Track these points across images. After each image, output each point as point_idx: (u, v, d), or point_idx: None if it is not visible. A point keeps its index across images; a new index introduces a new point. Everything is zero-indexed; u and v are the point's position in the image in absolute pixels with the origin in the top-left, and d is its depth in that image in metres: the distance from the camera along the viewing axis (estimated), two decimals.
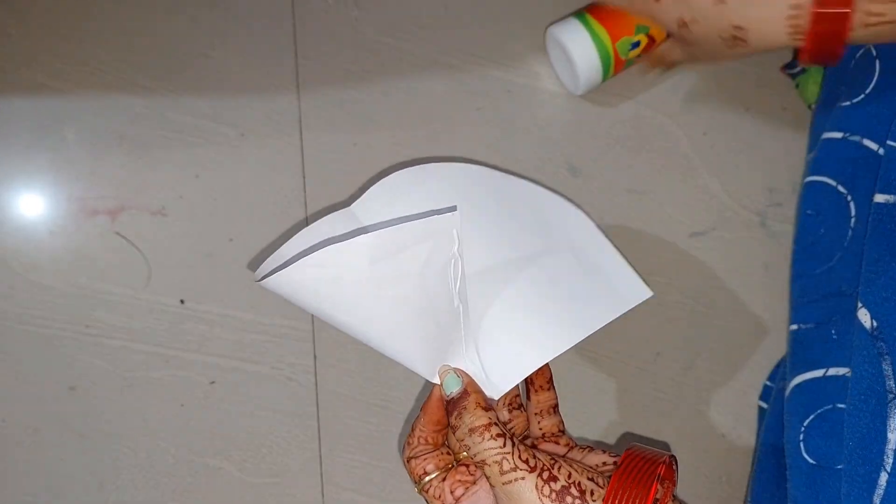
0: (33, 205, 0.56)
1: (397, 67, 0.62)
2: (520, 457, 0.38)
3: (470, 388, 0.40)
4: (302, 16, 0.61)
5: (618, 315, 0.43)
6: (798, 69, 0.65)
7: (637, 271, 0.44)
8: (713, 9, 0.39)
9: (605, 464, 0.41)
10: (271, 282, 0.38)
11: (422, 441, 0.41)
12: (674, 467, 0.39)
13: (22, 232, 0.56)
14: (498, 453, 0.37)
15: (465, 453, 0.42)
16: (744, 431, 0.63)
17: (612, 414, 0.62)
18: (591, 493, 0.37)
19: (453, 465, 0.42)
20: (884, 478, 0.41)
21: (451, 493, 0.41)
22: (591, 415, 0.61)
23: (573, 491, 0.37)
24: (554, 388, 0.44)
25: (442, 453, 0.42)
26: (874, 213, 0.48)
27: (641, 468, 0.38)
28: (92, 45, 0.58)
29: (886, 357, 0.44)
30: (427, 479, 0.41)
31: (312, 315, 0.59)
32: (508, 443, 0.38)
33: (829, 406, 0.48)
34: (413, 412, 0.59)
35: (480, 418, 0.39)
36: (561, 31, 0.59)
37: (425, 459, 0.41)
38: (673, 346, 0.63)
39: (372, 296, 0.39)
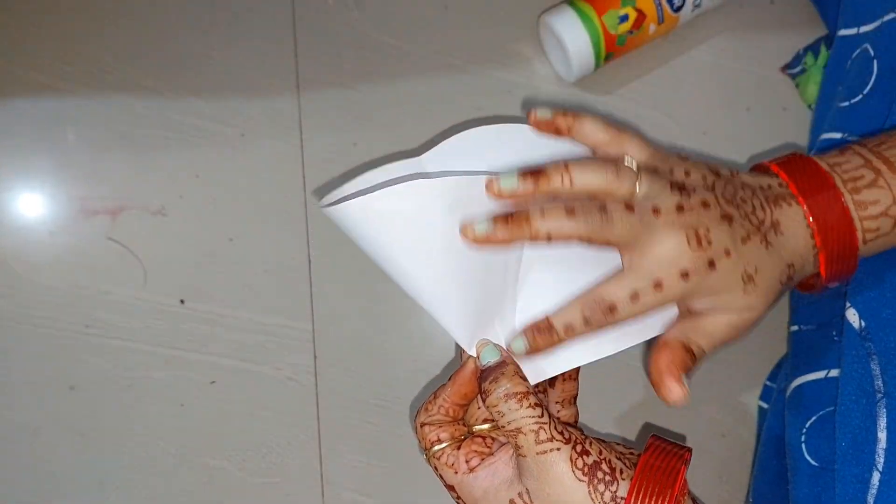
0: (34, 205, 0.56)
1: (397, 68, 0.62)
2: (555, 428, 0.37)
3: (508, 359, 0.39)
4: (302, 16, 0.61)
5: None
6: (798, 69, 0.65)
7: None
8: (768, 254, 0.39)
9: (621, 453, 0.41)
10: (341, 210, 0.36)
11: (442, 411, 0.40)
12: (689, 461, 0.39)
13: (22, 232, 0.56)
14: (536, 422, 0.37)
15: (477, 426, 0.41)
16: (744, 431, 0.63)
17: (613, 413, 0.62)
18: (621, 472, 0.37)
19: (466, 437, 0.41)
20: (876, 477, 0.42)
21: (467, 462, 0.40)
22: (591, 414, 0.61)
23: (604, 467, 0.37)
24: (578, 378, 0.43)
25: (457, 425, 0.41)
26: None
27: (667, 455, 0.38)
28: (93, 46, 0.58)
29: (875, 357, 0.44)
30: (440, 446, 0.40)
31: (313, 315, 0.59)
32: (546, 413, 0.37)
33: (831, 408, 0.48)
34: (415, 407, 0.59)
35: (519, 385, 0.38)
36: (549, 14, 0.61)
37: (440, 427, 0.40)
38: None
39: (439, 244, 0.37)
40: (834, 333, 0.51)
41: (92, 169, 0.57)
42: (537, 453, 0.37)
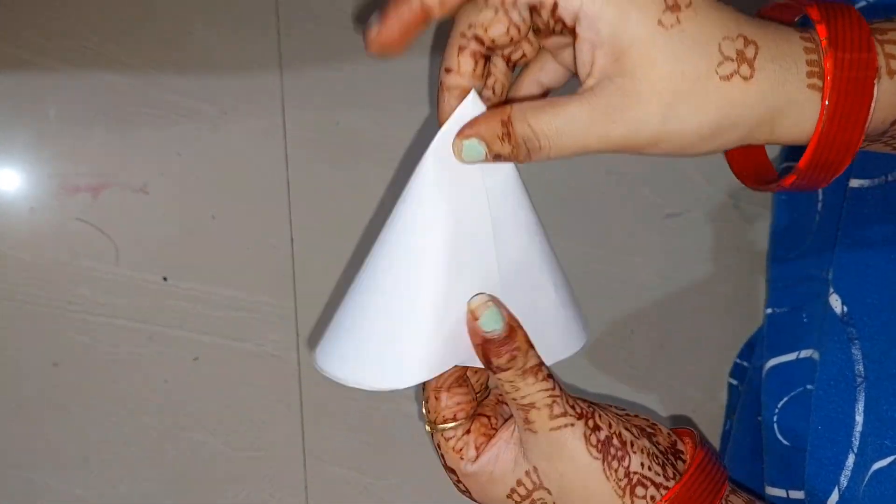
0: (14, 181, 0.56)
1: None
2: (568, 401, 0.35)
3: (513, 324, 0.35)
4: None
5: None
6: None
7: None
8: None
9: (627, 419, 0.38)
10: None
11: (453, 371, 0.37)
12: None
13: (3, 208, 0.56)
14: (549, 396, 0.34)
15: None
16: (713, 407, 0.65)
17: (587, 390, 0.64)
18: (631, 445, 0.35)
19: (474, 414, 0.38)
20: (851, 458, 0.43)
21: (476, 448, 0.37)
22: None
23: (615, 441, 0.35)
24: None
25: (468, 395, 0.38)
26: (849, 197, 0.48)
27: (710, 479, 0.36)
28: (74, 22, 0.57)
29: (856, 342, 0.44)
30: (452, 425, 0.37)
31: (295, 292, 0.59)
32: (558, 385, 0.35)
33: (801, 388, 0.49)
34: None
35: (532, 358, 0.34)
36: None
37: (458, 403, 0.37)
38: (647, 324, 0.65)
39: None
40: (804, 315, 0.52)
41: (73, 146, 0.57)
42: (550, 429, 0.34)
